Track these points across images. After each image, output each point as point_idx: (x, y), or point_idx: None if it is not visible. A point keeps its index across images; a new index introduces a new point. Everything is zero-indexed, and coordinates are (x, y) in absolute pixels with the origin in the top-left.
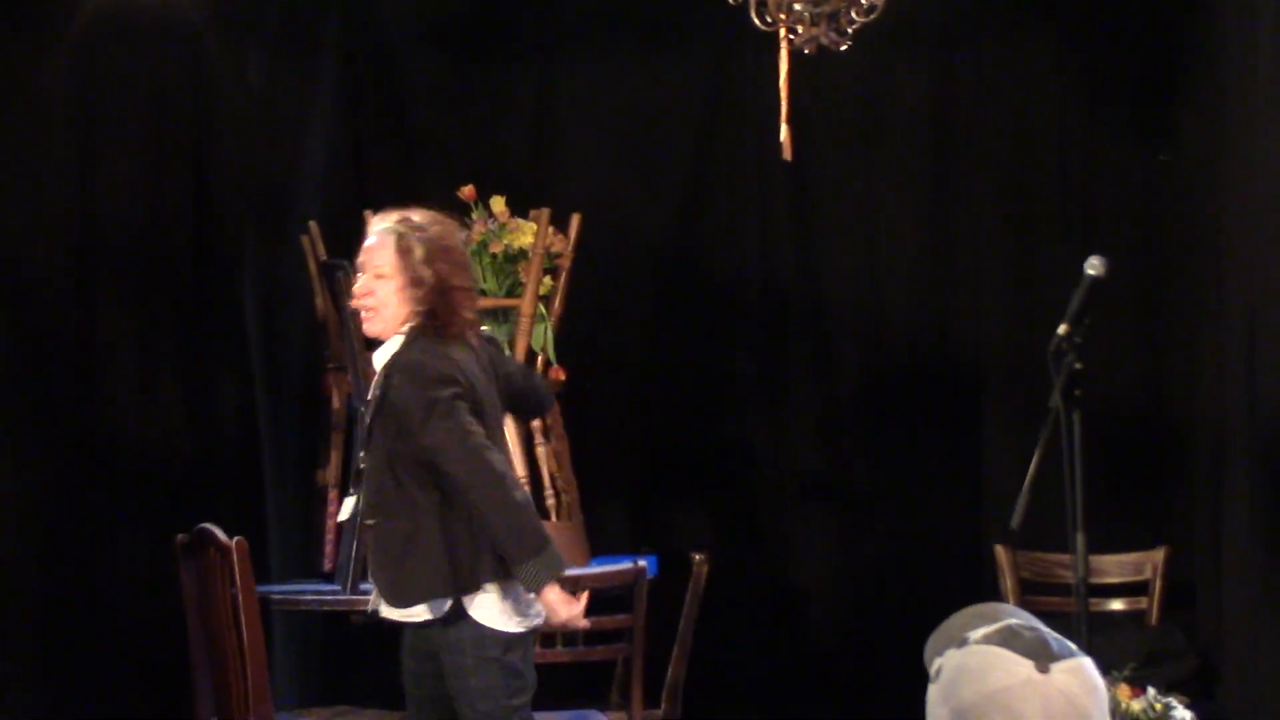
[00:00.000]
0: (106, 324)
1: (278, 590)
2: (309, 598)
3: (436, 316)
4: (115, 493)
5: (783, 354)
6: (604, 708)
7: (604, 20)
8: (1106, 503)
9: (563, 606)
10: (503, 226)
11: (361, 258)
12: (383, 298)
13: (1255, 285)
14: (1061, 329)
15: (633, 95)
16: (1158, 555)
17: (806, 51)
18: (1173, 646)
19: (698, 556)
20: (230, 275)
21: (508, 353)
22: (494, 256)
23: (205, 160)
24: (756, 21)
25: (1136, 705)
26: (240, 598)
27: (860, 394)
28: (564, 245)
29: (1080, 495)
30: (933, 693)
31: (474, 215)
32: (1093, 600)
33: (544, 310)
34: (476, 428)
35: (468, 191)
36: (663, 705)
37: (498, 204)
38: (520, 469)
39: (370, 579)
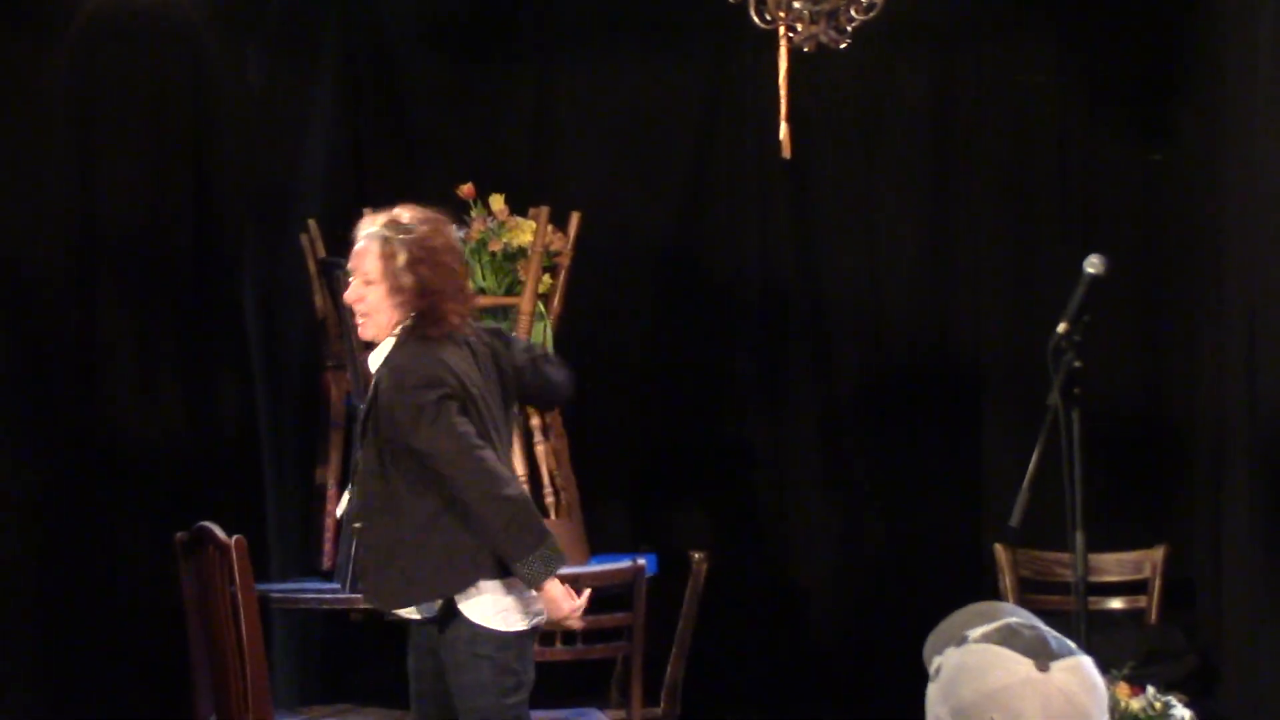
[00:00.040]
0: (106, 323)
1: (277, 588)
2: (308, 596)
3: (425, 318)
4: (115, 491)
5: (782, 352)
6: (603, 706)
7: (603, 19)
8: (1106, 501)
9: (565, 601)
10: (502, 225)
11: (351, 263)
12: (372, 303)
13: (1255, 284)
14: (1061, 327)
15: (632, 93)
16: (1157, 554)
17: (806, 50)
18: (1172, 645)
19: (697, 555)
20: (230, 274)
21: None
22: (493, 254)
23: (205, 159)
24: (756, 20)
25: (1136, 704)
26: (240, 596)
27: (860, 392)
28: (563, 243)
29: (1079, 494)
30: (932, 691)
31: (473, 213)
32: (1092, 599)
33: (543, 309)
34: (467, 427)
35: (467, 190)
36: (662, 704)
37: (497, 202)
38: (520, 467)
39: (359, 580)
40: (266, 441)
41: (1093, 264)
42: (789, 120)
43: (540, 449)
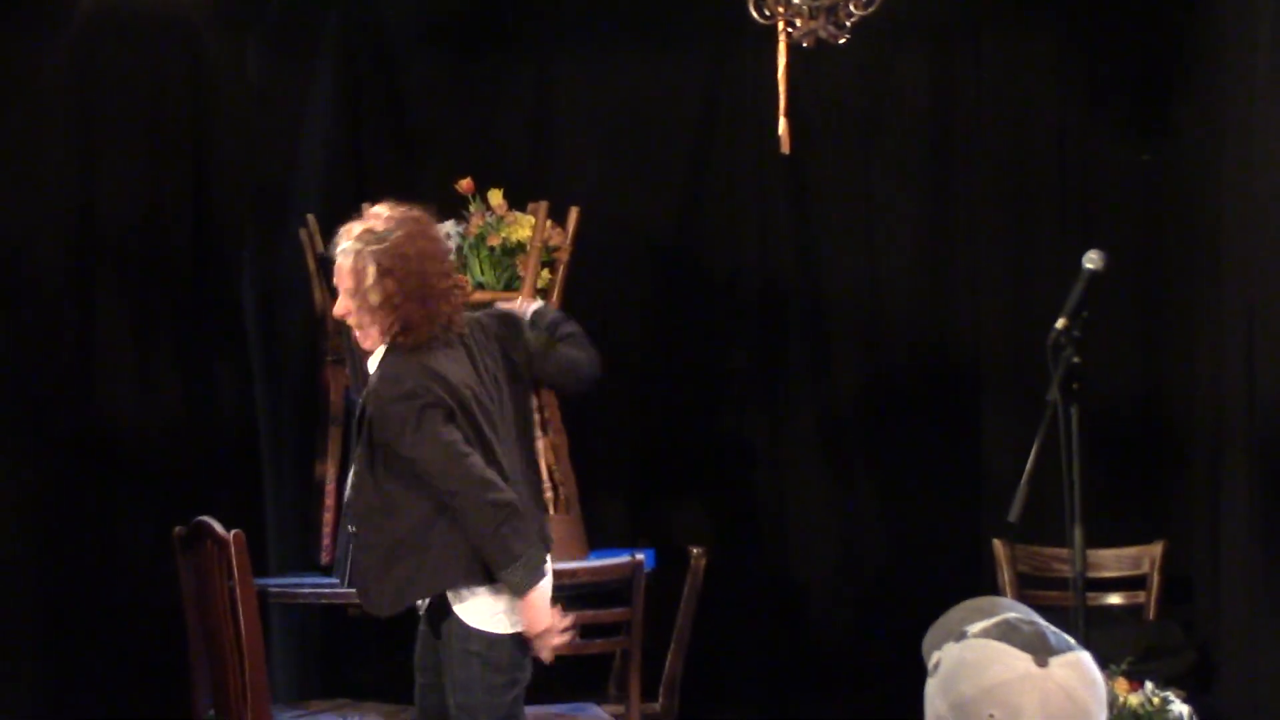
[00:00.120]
0: (105, 318)
1: (275, 583)
2: (307, 591)
3: (406, 327)
4: (113, 485)
5: (781, 347)
6: (601, 701)
7: (603, 14)
8: (1104, 497)
9: (543, 615)
10: (500, 219)
11: (334, 278)
12: (358, 318)
13: (1254, 281)
14: (1060, 323)
15: (631, 89)
16: (1155, 550)
17: (805, 45)
18: (1170, 641)
19: (696, 550)
20: (229, 270)
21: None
22: (492, 249)
23: (204, 156)
24: (755, 15)
25: (1134, 699)
26: (238, 591)
27: (859, 388)
28: (562, 239)
29: (1078, 489)
30: (931, 686)
31: (472, 208)
32: (1090, 594)
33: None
34: (453, 434)
35: (466, 184)
36: (660, 699)
37: (495, 197)
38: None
39: (356, 586)
40: (265, 436)
41: (1092, 260)
42: (788, 116)
43: (540, 444)
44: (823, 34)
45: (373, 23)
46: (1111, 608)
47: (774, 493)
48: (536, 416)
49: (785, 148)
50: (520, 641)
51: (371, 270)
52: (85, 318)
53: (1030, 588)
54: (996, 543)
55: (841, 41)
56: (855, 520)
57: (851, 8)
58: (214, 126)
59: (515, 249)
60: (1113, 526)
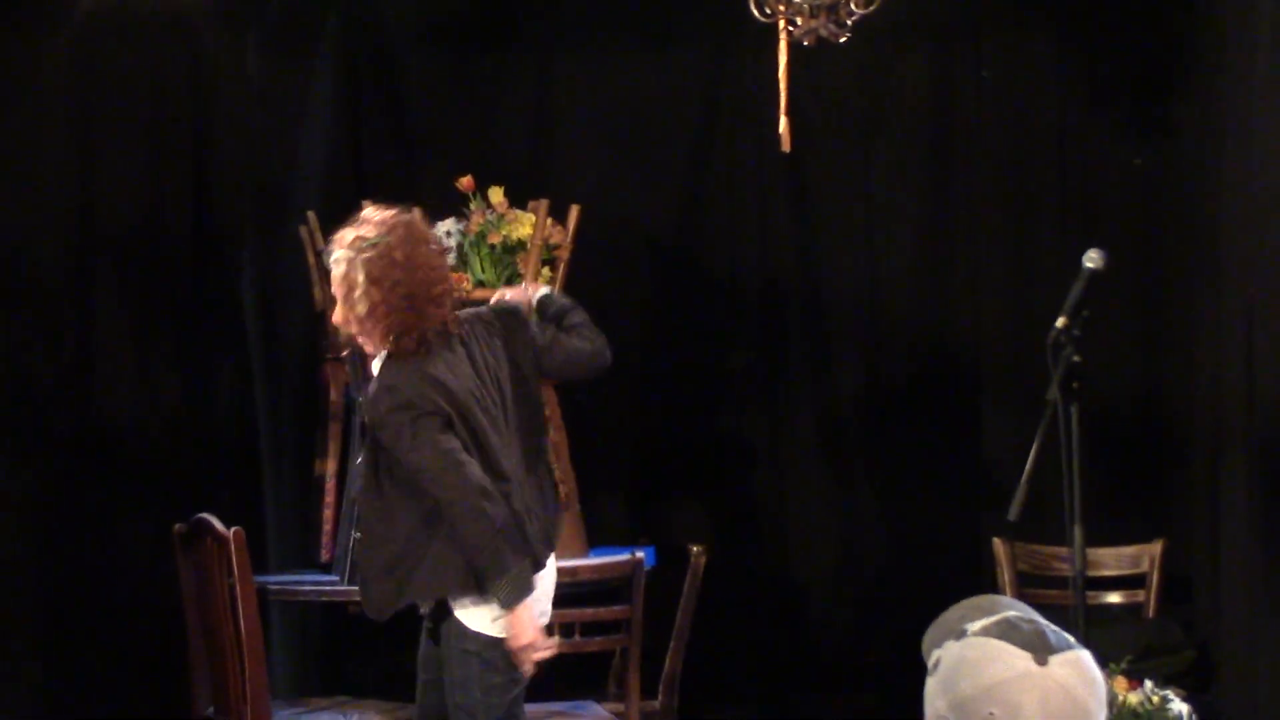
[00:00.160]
0: (105, 317)
1: (275, 580)
2: (307, 588)
3: (400, 334)
4: (113, 483)
5: (781, 345)
6: (601, 699)
7: (603, 11)
8: (1104, 496)
9: (527, 630)
10: (501, 217)
11: (331, 286)
12: (355, 326)
13: (1253, 280)
14: (1060, 322)
15: (632, 87)
16: (1155, 548)
17: (805, 44)
18: (1170, 640)
19: (695, 548)
20: (229, 267)
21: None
22: (492, 247)
23: (204, 154)
24: (755, 13)
25: (1134, 698)
26: (238, 588)
27: (859, 387)
28: (562, 237)
29: (1078, 488)
30: (931, 685)
31: (472, 206)
32: (1090, 593)
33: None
34: (451, 443)
35: (466, 182)
36: (660, 696)
37: (496, 195)
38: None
39: (359, 589)
40: (265, 434)
41: (1092, 259)
42: (788, 114)
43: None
44: (823, 33)
45: (373, 21)
46: (1111, 606)
47: (774, 491)
48: None
49: (786, 146)
50: None
51: (360, 279)
52: (85, 316)
53: (1030, 586)
54: (996, 541)
55: (842, 40)
56: (855, 518)
57: (852, 6)
58: (214, 125)
59: (516, 247)
60: (1112, 525)
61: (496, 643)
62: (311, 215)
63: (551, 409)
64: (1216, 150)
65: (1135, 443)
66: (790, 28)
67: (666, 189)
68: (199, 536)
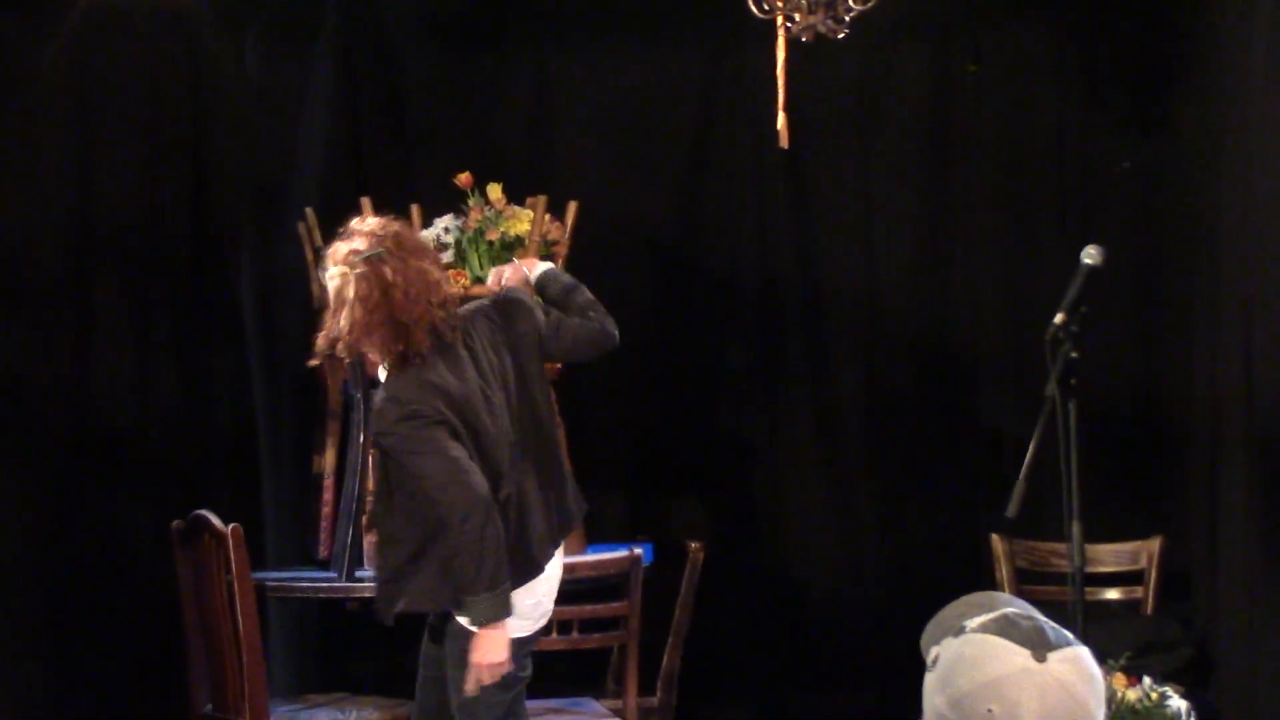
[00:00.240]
0: (104, 314)
1: (273, 577)
2: (305, 585)
3: (398, 343)
4: (112, 481)
5: (779, 342)
6: (599, 695)
7: (602, 8)
8: (1103, 492)
9: (498, 650)
10: (499, 214)
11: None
12: (357, 340)
13: (1252, 275)
14: (1058, 318)
15: (630, 83)
16: (1153, 545)
17: (804, 39)
18: (1168, 636)
19: (694, 545)
20: (227, 264)
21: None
22: (490, 244)
23: (203, 152)
24: (754, 10)
25: (1132, 694)
26: (236, 584)
27: (857, 383)
28: (560, 233)
29: (1076, 484)
30: (930, 681)
31: (471, 202)
32: (1089, 590)
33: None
34: (456, 451)
35: (464, 179)
36: (658, 693)
37: (494, 191)
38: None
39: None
40: (263, 430)
41: (1090, 255)
42: (787, 111)
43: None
44: (821, 29)
45: (371, 18)
46: (1109, 603)
47: (772, 488)
48: None
49: (784, 142)
50: (520, 645)
51: (352, 294)
52: (84, 314)
53: (1028, 583)
54: (994, 537)
55: (840, 37)
56: (853, 515)
57: (850, 3)
58: (213, 123)
59: (514, 243)
60: (1111, 522)
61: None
62: (310, 213)
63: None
64: (1214, 146)
65: (1134, 439)
66: (788, 24)
67: (665, 185)
68: (197, 533)
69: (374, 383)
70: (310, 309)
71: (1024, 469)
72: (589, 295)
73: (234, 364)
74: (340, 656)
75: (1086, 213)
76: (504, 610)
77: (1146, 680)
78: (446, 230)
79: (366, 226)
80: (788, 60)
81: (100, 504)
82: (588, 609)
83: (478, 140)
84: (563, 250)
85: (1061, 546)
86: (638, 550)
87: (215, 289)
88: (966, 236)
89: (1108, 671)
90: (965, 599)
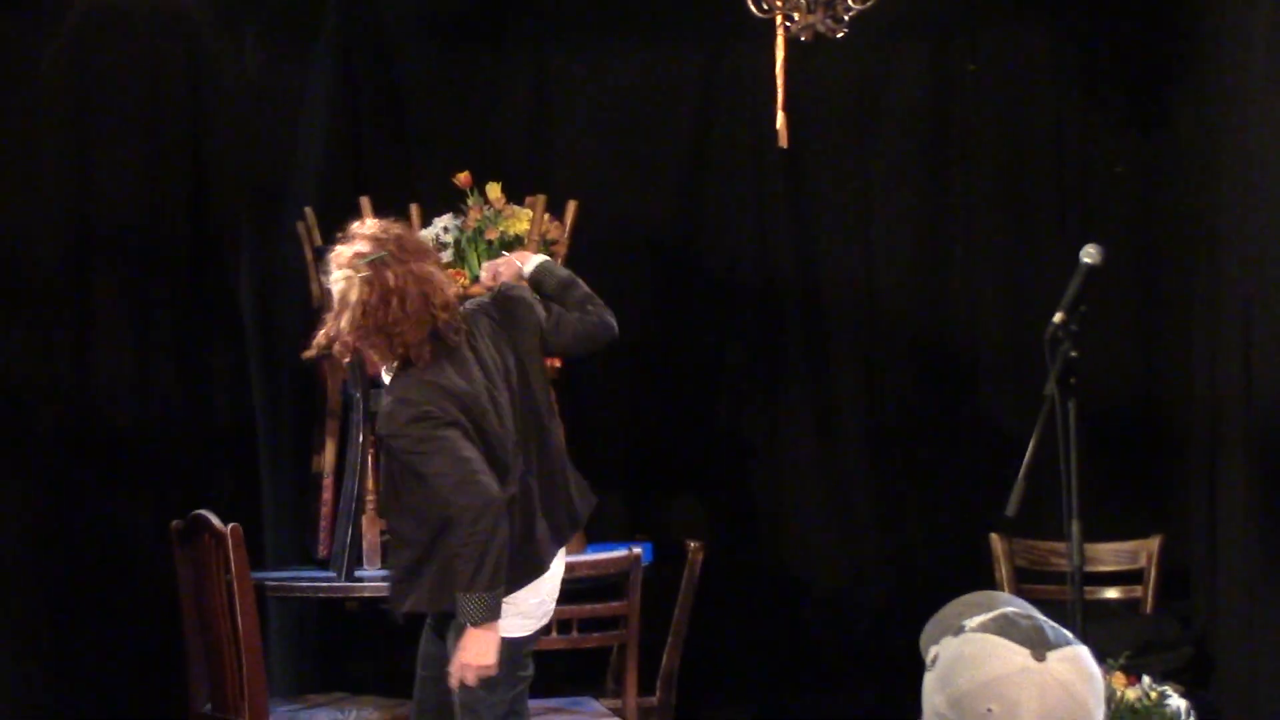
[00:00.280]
0: (103, 312)
1: (273, 577)
2: (304, 584)
3: (403, 347)
4: (111, 480)
5: (778, 341)
6: (598, 695)
7: (600, 8)
8: (1102, 491)
9: (483, 652)
10: (498, 213)
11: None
12: (361, 343)
13: (1251, 274)
14: (1057, 317)
15: (629, 83)
16: (1153, 544)
17: (803, 39)
18: (1168, 635)
19: (693, 544)
20: (226, 263)
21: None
22: (490, 243)
23: (202, 148)
24: (753, 8)
25: (1131, 694)
26: (235, 584)
27: (855, 381)
28: (560, 232)
29: (1075, 483)
30: (929, 681)
31: (470, 201)
32: (1088, 588)
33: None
34: (469, 451)
35: (463, 178)
36: (657, 692)
37: (493, 190)
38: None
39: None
40: (262, 429)
41: (1089, 254)
42: (786, 109)
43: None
44: (820, 28)
45: (370, 17)
46: (1109, 602)
47: (771, 487)
48: None
49: (783, 142)
50: (522, 644)
51: (355, 298)
52: (83, 312)
53: (1028, 582)
54: (994, 536)
55: (839, 36)
56: (853, 514)
57: (850, 2)
58: (212, 121)
59: (513, 242)
60: (1110, 521)
61: (504, 642)
62: (309, 211)
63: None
64: (1214, 145)
65: (1133, 438)
66: (787, 23)
67: (664, 185)
68: (196, 533)
69: (374, 382)
70: (309, 308)
71: (1023, 468)
72: (586, 288)
73: (233, 363)
74: (339, 656)
75: (1086, 212)
76: (496, 613)
77: (1146, 679)
78: (446, 230)
79: (368, 230)
80: (787, 59)
81: (99, 504)
82: (587, 608)
83: (477, 140)
84: (562, 250)
85: (1061, 545)
86: (637, 550)
87: (214, 288)
88: (966, 235)
89: (1107, 671)
90: (964, 598)
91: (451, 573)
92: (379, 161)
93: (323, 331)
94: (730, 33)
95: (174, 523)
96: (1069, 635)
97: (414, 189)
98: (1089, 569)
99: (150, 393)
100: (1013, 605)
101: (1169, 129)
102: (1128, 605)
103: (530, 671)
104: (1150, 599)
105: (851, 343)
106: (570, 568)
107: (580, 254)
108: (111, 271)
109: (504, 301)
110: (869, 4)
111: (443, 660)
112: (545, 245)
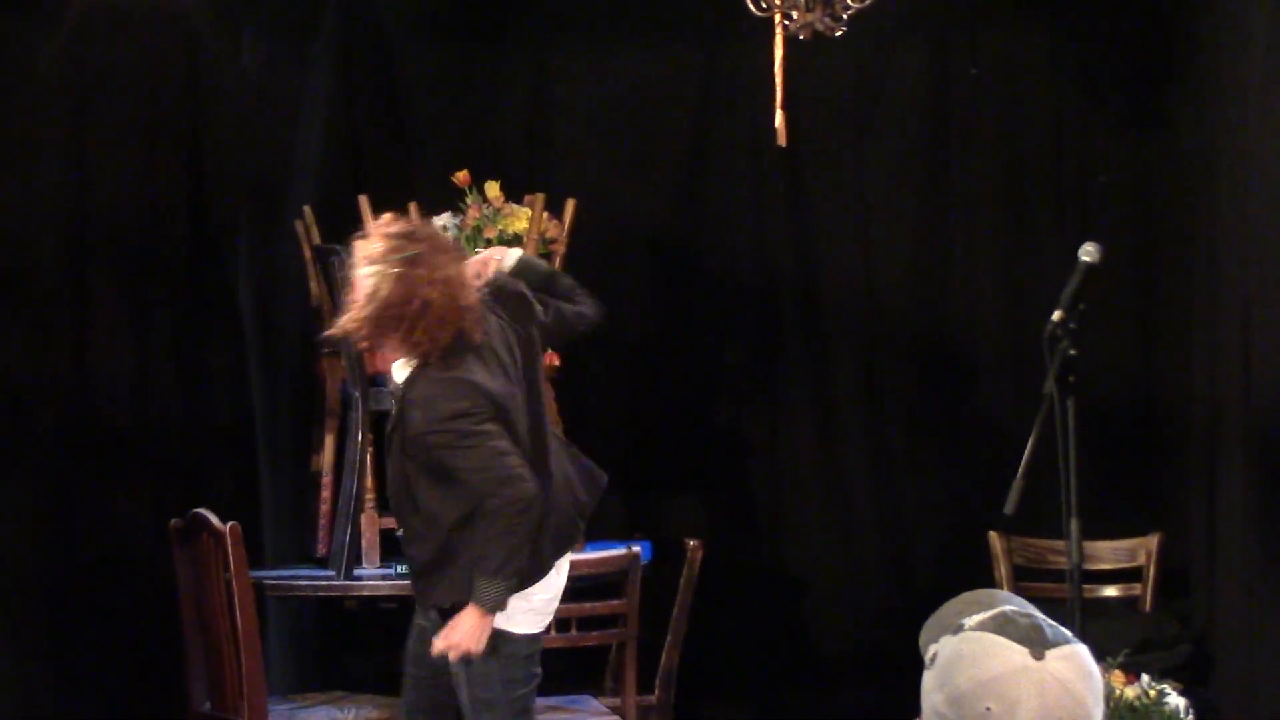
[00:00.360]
0: (102, 311)
1: (272, 575)
2: (303, 583)
3: (434, 344)
4: (110, 478)
5: (778, 339)
6: (598, 693)
7: (600, 6)
8: (1101, 489)
9: (473, 636)
10: (497, 212)
11: (347, 294)
12: (381, 338)
13: (1250, 272)
14: (1056, 315)
15: (628, 81)
16: (1152, 541)
17: (801, 37)
18: (1166, 633)
19: (692, 543)
20: (225, 261)
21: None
22: (488, 241)
23: (200, 146)
24: (751, 7)
25: (1130, 692)
26: (234, 583)
27: (854, 380)
28: (558, 231)
29: (1074, 481)
30: (928, 679)
31: (468, 200)
32: (1086, 587)
33: None
34: (506, 445)
35: (462, 177)
36: (656, 691)
37: (492, 189)
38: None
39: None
40: (261, 428)
41: (1088, 252)
42: (784, 108)
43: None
44: (819, 26)
45: (369, 15)
46: (1108, 600)
47: (770, 485)
48: None
49: (782, 140)
50: (537, 641)
51: (384, 293)
52: (82, 311)
53: (1026, 580)
54: (992, 535)
55: (838, 34)
56: (851, 513)
57: (848, 0)
58: (210, 119)
59: (512, 241)
60: (1109, 519)
61: (518, 639)
62: (308, 210)
63: (548, 403)
64: (1212, 144)
65: (1132, 436)
66: (786, 22)
67: (662, 183)
68: (195, 531)
69: (373, 381)
70: (308, 307)
71: (1022, 466)
72: (568, 278)
73: (232, 362)
74: (338, 654)
75: (1085, 210)
76: (504, 605)
77: (1145, 677)
78: (445, 228)
79: (400, 227)
80: (785, 58)
81: (99, 503)
82: (586, 607)
83: (476, 138)
84: (561, 248)
85: (1060, 544)
86: (636, 548)
87: (213, 287)
88: (965, 234)
89: (1106, 669)
90: (963, 596)
91: (479, 560)
92: (378, 160)
93: (344, 320)
94: (729, 31)
95: (173, 521)
96: (1068, 634)
97: (413, 188)
98: (1088, 567)
99: (149, 392)
100: (1011, 603)
101: (1168, 128)
102: (1126, 603)
103: (540, 672)
104: (1149, 597)
105: (851, 341)
106: (570, 566)
107: (579, 253)
108: (110, 270)
109: (506, 298)
110: (867, 2)
111: (437, 661)
112: (544, 244)
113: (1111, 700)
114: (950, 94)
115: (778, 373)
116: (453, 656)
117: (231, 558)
